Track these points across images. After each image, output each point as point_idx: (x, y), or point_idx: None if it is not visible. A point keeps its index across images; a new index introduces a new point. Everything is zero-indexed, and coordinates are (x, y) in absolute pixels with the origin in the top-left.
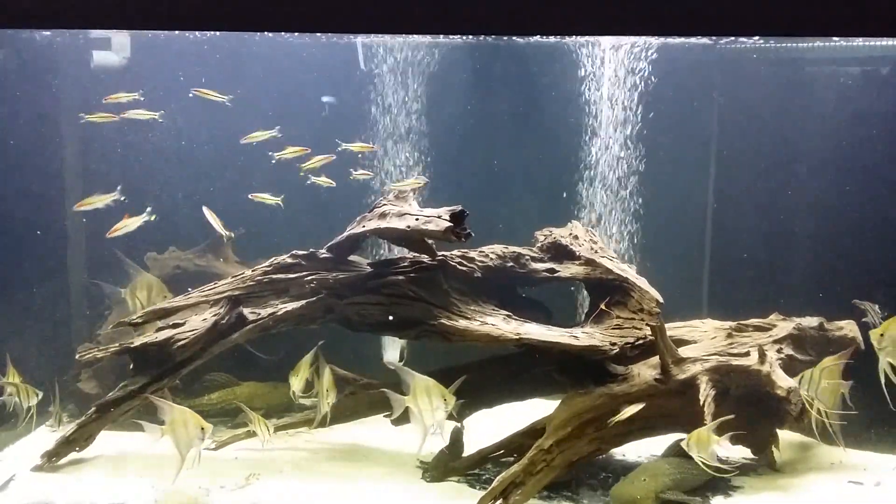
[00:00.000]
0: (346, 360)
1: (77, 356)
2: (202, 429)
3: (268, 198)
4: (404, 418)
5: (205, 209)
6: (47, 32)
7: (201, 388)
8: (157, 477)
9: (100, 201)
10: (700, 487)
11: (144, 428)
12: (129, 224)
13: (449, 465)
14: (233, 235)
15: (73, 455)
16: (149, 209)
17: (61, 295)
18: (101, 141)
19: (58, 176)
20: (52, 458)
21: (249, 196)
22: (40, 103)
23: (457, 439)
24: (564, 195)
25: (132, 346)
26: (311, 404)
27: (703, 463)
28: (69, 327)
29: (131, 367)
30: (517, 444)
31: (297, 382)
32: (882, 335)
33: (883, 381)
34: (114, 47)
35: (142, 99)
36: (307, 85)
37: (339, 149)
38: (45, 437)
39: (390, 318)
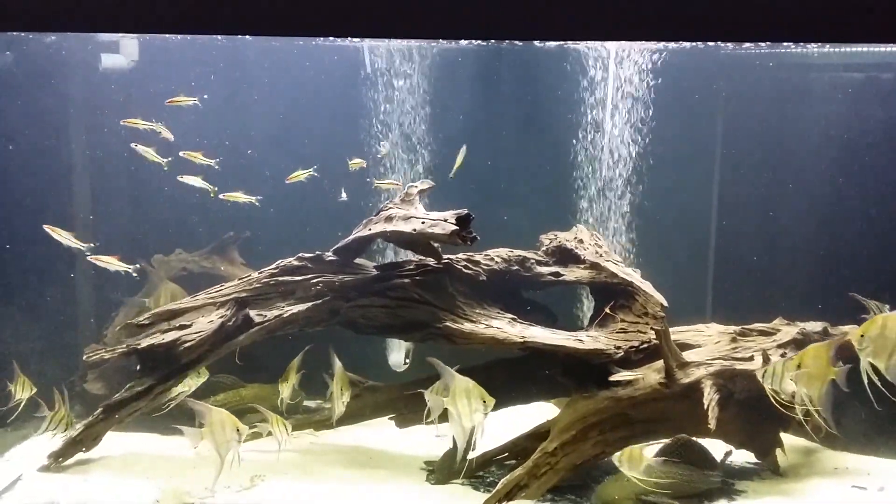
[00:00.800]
0: (351, 363)
1: (84, 357)
2: (238, 430)
3: (241, 196)
4: (410, 420)
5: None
6: (53, 36)
7: (207, 389)
8: (164, 478)
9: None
10: (691, 493)
11: (184, 432)
12: (111, 264)
13: (454, 467)
14: (216, 189)
15: (79, 455)
16: (137, 266)
17: (68, 296)
18: (108, 142)
19: (65, 177)
20: (59, 459)
21: (222, 196)
22: (47, 105)
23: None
24: (569, 199)
25: (139, 347)
26: (316, 406)
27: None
28: (76, 328)
29: (138, 368)
30: (521, 447)
31: (286, 389)
32: (862, 336)
33: (866, 381)
34: (122, 50)
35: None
36: (313, 88)
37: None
38: (52, 437)
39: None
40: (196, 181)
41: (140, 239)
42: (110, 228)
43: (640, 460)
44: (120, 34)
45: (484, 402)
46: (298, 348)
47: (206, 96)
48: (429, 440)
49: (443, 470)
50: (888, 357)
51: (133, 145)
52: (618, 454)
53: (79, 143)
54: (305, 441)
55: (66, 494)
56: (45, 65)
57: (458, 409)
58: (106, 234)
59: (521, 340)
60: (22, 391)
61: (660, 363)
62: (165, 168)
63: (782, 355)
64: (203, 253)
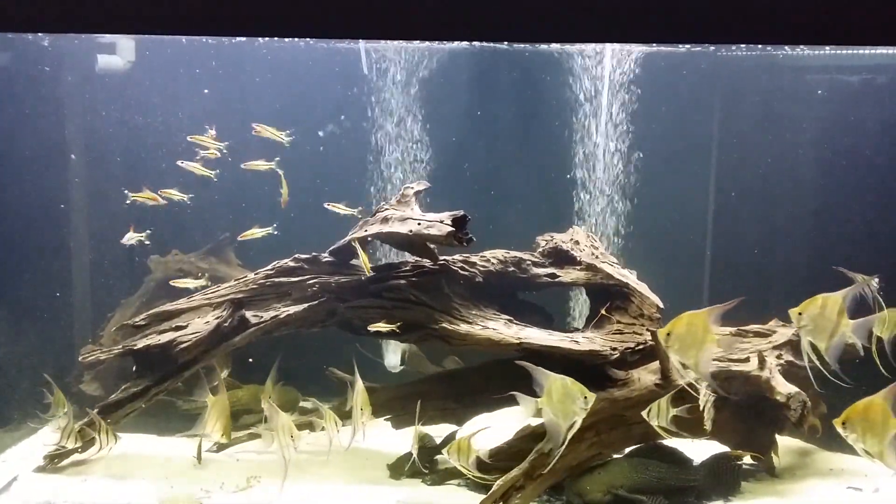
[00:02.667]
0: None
1: (80, 358)
2: (291, 436)
3: (175, 194)
4: (406, 421)
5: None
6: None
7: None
8: (160, 478)
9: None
10: (667, 490)
11: (262, 435)
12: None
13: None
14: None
15: (75, 456)
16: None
17: (64, 297)
18: (106, 143)
19: (63, 177)
20: (55, 460)
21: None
22: (44, 105)
23: (425, 445)
24: (564, 200)
25: (135, 348)
26: (312, 406)
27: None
28: (71, 329)
29: (134, 369)
30: (517, 449)
31: (266, 406)
32: (800, 314)
33: (806, 361)
34: (118, 51)
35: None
36: (309, 90)
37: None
38: (48, 438)
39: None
40: (195, 167)
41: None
42: (106, 229)
43: (468, 451)
44: (116, 35)
45: (585, 397)
46: (297, 349)
47: (206, 91)
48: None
49: (399, 469)
50: (828, 338)
51: (179, 163)
52: (447, 447)
53: (75, 143)
54: (302, 442)
55: (62, 495)
56: (41, 65)
57: (555, 408)
58: (101, 235)
59: (517, 342)
60: (61, 408)
61: (655, 364)
62: (214, 179)
63: (778, 357)
64: (199, 254)
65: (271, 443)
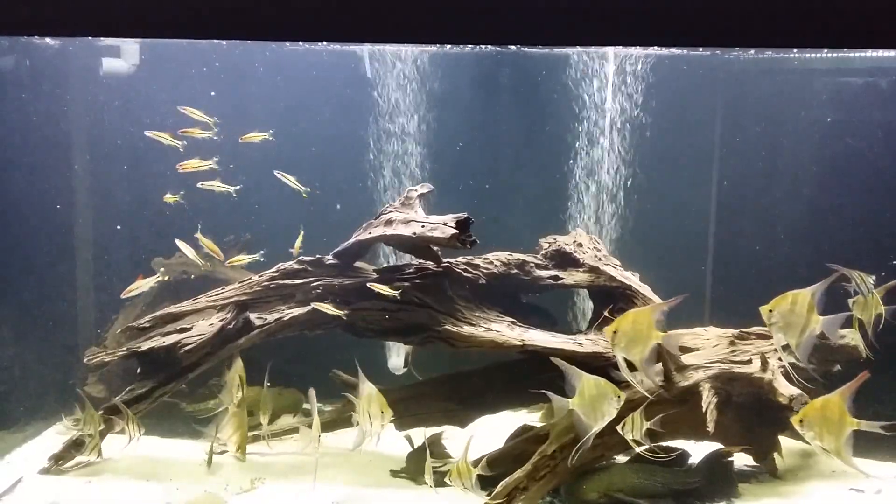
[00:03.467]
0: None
1: (85, 360)
2: (382, 412)
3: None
4: (409, 423)
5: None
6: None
7: (207, 392)
8: (163, 480)
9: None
10: (663, 493)
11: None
12: (143, 285)
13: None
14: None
15: (79, 458)
16: (162, 270)
17: (68, 299)
18: (108, 145)
19: (67, 180)
20: (59, 461)
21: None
22: (48, 109)
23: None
24: (567, 202)
25: (139, 350)
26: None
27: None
28: (75, 331)
29: (138, 371)
30: (521, 450)
31: (264, 419)
32: (771, 311)
33: (779, 357)
34: (123, 55)
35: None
36: (311, 93)
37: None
38: (53, 440)
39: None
40: (215, 185)
41: (141, 239)
42: (110, 231)
43: (468, 473)
44: (121, 38)
45: (618, 397)
46: (299, 351)
47: (212, 93)
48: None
49: (409, 472)
50: (798, 335)
51: (178, 167)
52: (448, 473)
53: (79, 146)
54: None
55: (67, 497)
56: (45, 68)
57: (586, 407)
58: (106, 237)
59: (521, 343)
60: (90, 425)
61: (658, 366)
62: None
63: (780, 359)
64: (203, 256)
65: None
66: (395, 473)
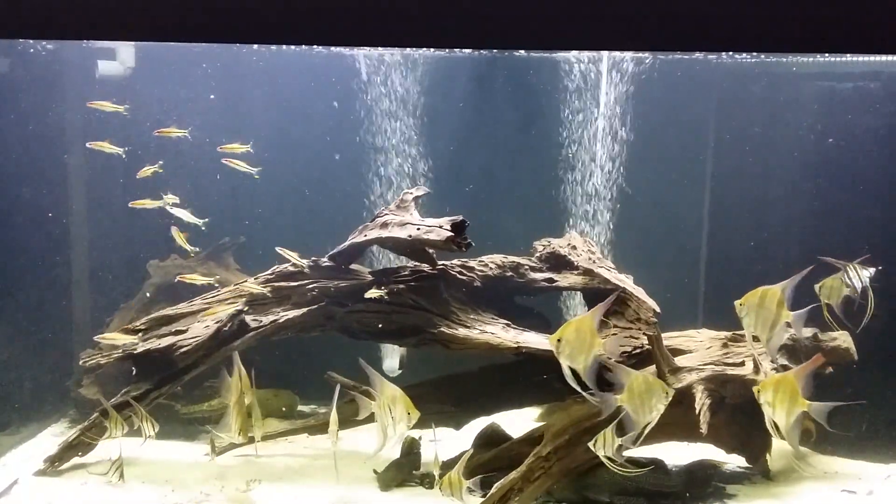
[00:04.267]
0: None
1: (80, 362)
2: (409, 413)
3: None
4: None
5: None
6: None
7: (202, 394)
8: (158, 482)
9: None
10: (643, 494)
11: (358, 403)
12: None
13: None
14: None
15: (75, 460)
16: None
17: (64, 300)
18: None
19: (61, 182)
20: (55, 463)
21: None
22: (43, 111)
23: (411, 451)
24: (561, 205)
25: (135, 352)
26: (310, 411)
27: None
28: (71, 333)
29: (134, 373)
30: (515, 452)
31: (257, 430)
32: (742, 304)
33: (749, 349)
34: (118, 57)
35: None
36: (307, 95)
37: None
38: (49, 441)
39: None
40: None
41: (136, 243)
42: (106, 234)
43: (459, 484)
44: (117, 42)
45: (666, 392)
46: (296, 352)
47: (212, 97)
48: (424, 445)
49: (390, 478)
50: (769, 329)
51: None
52: (440, 483)
53: (74, 148)
54: (300, 445)
55: (63, 499)
56: (40, 71)
57: (635, 404)
58: (102, 240)
59: (516, 346)
60: (117, 430)
61: (652, 368)
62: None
63: (773, 361)
64: (198, 258)
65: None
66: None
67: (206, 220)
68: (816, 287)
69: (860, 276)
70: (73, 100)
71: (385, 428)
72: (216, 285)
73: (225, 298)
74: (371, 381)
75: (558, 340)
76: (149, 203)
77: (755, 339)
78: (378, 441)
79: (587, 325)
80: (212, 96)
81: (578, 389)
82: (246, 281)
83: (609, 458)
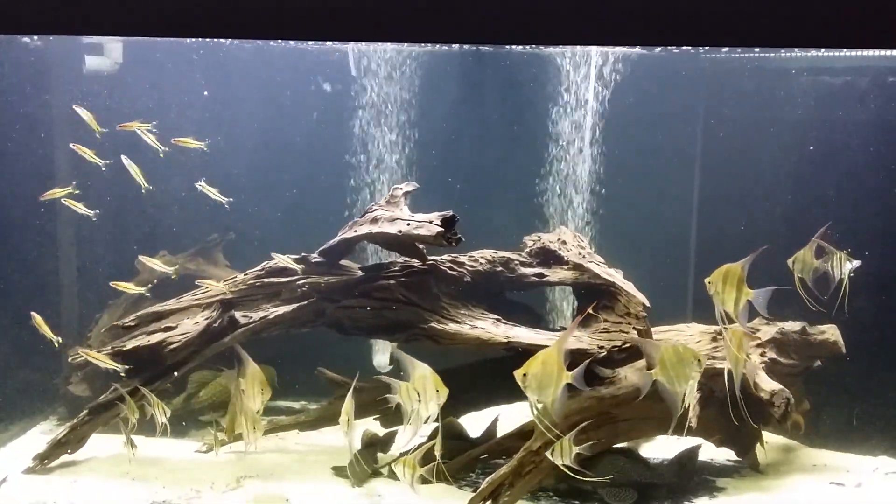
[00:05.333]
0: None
1: (69, 359)
2: (438, 391)
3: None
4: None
5: None
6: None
7: (192, 388)
8: (148, 479)
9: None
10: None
11: (391, 388)
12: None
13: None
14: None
15: (65, 457)
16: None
17: (51, 297)
18: (91, 144)
19: (48, 179)
20: (44, 461)
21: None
22: (30, 107)
23: (371, 443)
24: (550, 200)
25: (124, 349)
26: (300, 407)
27: None
28: (59, 330)
29: (123, 370)
30: (506, 447)
31: (249, 432)
32: (709, 282)
33: (719, 324)
34: (106, 53)
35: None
36: (296, 91)
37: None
38: (38, 439)
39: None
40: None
41: (124, 239)
42: (94, 231)
43: (413, 469)
44: (105, 37)
45: (698, 360)
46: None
47: (206, 93)
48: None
49: (357, 471)
50: (736, 304)
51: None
52: (395, 459)
53: (62, 145)
54: (291, 441)
55: (52, 496)
56: (27, 67)
57: (669, 375)
58: (90, 238)
59: (506, 340)
60: (162, 414)
61: (642, 362)
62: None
63: (762, 354)
64: (187, 255)
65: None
66: (338, 471)
67: (230, 199)
68: (790, 261)
69: (842, 267)
70: (58, 94)
71: (410, 411)
72: (173, 277)
73: (213, 295)
74: (402, 364)
75: (524, 375)
76: (58, 192)
77: (726, 315)
78: (407, 423)
79: (553, 358)
80: (205, 93)
81: (540, 423)
82: (236, 276)
83: (567, 466)
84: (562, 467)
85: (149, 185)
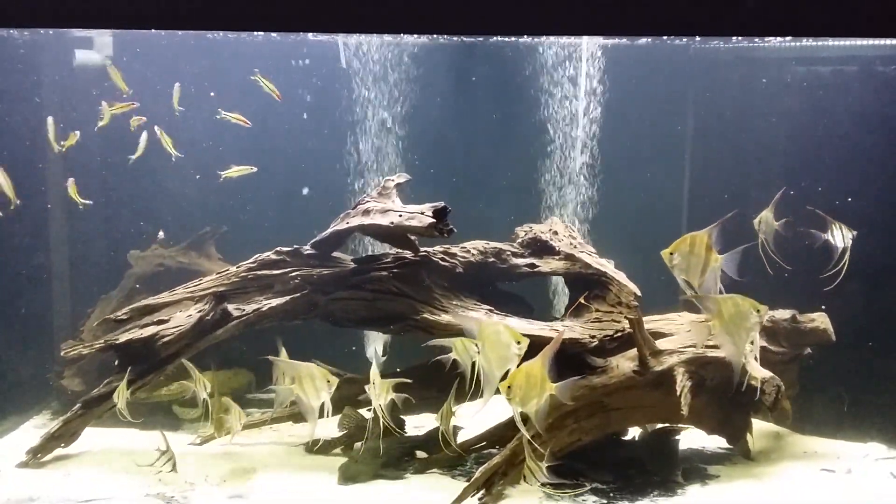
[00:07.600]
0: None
1: (62, 353)
2: (328, 381)
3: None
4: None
5: None
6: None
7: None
8: (141, 473)
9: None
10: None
11: (276, 390)
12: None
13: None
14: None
15: (58, 451)
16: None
17: (44, 291)
18: (83, 138)
19: (40, 173)
20: (37, 455)
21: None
22: (20, 101)
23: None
24: (542, 191)
25: (117, 342)
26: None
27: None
28: (52, 324)
29: (116, 363)
30: (499, 436)
31: (235, 420)
32: (672, 254)
33: (688, 295)
34: (95, 46)
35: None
36: (289, 83)
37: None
38: (31, 433)
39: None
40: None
41: (117, 232)
42: (86, 224)
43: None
44: (95, 30)
45: (758, 311)
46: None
47: (212, 94)
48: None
49: (367, 463)
50: (699, 275)
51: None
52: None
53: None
54: (284, 433)
55: (46, 490)
56: (18, 60)
57: (728, 327)
58: (82, 231)
59: None
60: (203, 390)
61: (633, 352)
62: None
63: (751, 342)
64: (180, 248)
65: (291, 395)
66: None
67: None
68: (755, 222)
69: (843, 235)
70: (48, 88)
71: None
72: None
73: (207, 288)
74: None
75: (508, 387)
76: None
77: (688, 284)
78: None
79: (537, 369)
80: (211, 93)
81: (525, 435)
82: (228, 269)
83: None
84: (535, 484)
85: (179, 153)
